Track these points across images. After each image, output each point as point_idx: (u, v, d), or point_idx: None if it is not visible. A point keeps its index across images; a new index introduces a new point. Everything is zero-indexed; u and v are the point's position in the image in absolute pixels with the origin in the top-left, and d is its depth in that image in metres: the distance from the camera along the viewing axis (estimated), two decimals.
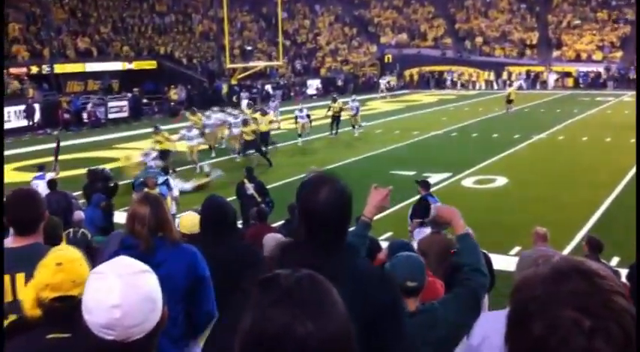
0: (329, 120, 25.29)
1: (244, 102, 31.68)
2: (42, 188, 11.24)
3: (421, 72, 51.86)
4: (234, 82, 40.59)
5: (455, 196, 13.60)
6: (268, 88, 42.61)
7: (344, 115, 25.44)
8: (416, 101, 40.08)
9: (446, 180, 16.52)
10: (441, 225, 7.37)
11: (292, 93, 43.74)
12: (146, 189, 11.78)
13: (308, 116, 24.43)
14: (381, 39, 55.19)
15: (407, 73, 51.75)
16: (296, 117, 24.38)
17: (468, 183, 16.25)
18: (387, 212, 12.12)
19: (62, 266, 2.32)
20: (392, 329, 2.27)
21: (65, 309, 2.21)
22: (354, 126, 25.48)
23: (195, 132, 20.07)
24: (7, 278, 3.15)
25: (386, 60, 51.95)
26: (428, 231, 9.90)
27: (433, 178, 16.54)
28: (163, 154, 17.75)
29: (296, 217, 4.77)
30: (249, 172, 12.37)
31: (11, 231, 3.53)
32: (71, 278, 2.30)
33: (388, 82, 46.97)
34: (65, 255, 2.39)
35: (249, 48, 46.35)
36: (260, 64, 43.74)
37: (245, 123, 20.01)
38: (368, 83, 48.75)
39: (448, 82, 50.17)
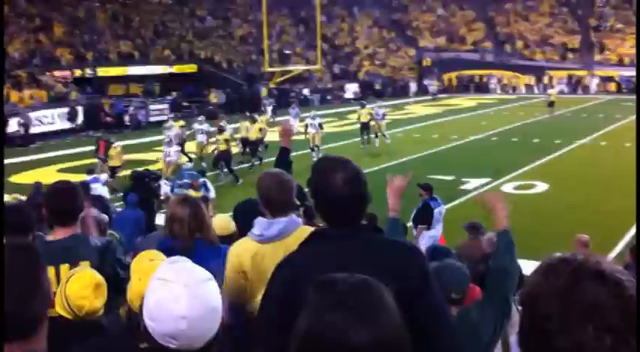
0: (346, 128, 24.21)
1: (269, 109, 31.53)
2: (101, 190, 11.53)
3: (460, 76, 51.47)
4: (272, 85, 40.85)
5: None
6: (306, 91, 42.77)
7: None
8: (455, 105, 39.81)
9: (485, 185, 16.36)
10: (478, 230, 7.32)
11: (330, 97, 43.82)
12: (191, 191, 11.93)
13: (320, 125, 21.79)
14: (420, 42, 54.93)
15: (445, 76, 51.42)
16: (306, 126, 21.80)
17: (508, 188, 16.06)
18: None
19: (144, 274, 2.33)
20: (428, 311, 2.14)
21: None
22: (376, 135, 23.59)
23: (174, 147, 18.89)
24: (52, 270, 3.24)
25: (424, 63, 51.69)
26: (433, 234, 9.82)
27: (472, 183, 16.43)
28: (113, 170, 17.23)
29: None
30: None
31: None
32: None
33: (434, 86, 46.64)
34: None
35: (287, 51, 46.61)
36: (298, 68, 43.95)
37: (220, 131, 18.85)
38: (406, 87, 48.56)
39: (494, 86, 49.60)
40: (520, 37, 52.47)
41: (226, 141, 18.48)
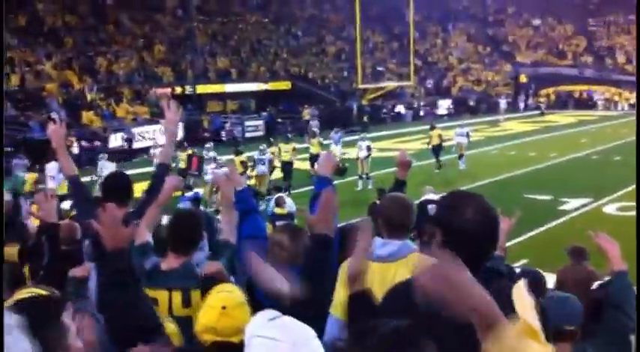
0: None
1: (316, 131, 27.54)
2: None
3: (557, 91, 49.97)
4: (365, 101, 41.03)
5: (595, 223, 12.96)
6: (400, 108, 42.74)
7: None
8: (553, 122, 38.67)
9: (585, 205, 15.79)
10: (582, 255, 7.07)
11: (422, 113, 43.55)
12: (277, 209, 12.12)
13: (368, 148, 20.09)
14: (516, 57, 53.78)
15: (543, 92, 50.05)
16: (368, 149, 20.12)
17: (610, 209, 15.44)
18: (522, 237, 11.82)
19: (227, 310, 2.27)
20: None
21: None
22: (460, 157, 22.13)
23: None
24: (165, 294, 3.43)
25: (521, 79, 50.52)
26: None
27: (572, 203, 15.89)
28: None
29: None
30: (381, 193, 12.42)
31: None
32: (235, 324, 2.25)
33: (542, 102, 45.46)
34: (230, 298, 2.34)
35: (380, 68, 46.71)
36: (391, 84, 43.96)
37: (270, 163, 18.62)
38: (499, 103, 47.60)
39: (595, 101, 47.83)
40: (622, 51, 50.47)
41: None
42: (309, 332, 1.80)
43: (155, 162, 4.51)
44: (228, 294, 2.37)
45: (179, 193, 13.93)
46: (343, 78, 44.64)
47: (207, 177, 18.24)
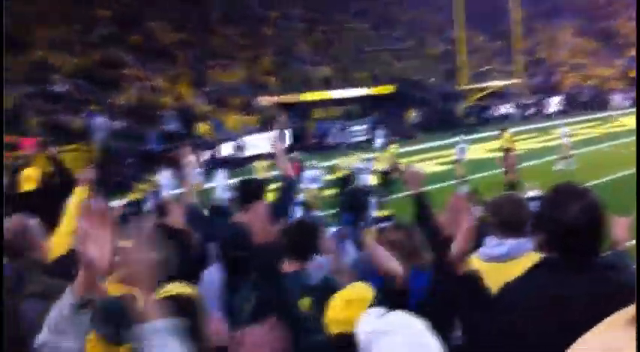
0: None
1: (379, 141, 27.03)
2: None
3: None
4: (469, 103, 40.44)
5: None
6: (507, 107, 41.80)
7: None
8: None
9: None
10: None
11: (530, 112, 42.38)
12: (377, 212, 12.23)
13: (462, 150, 19.66)
14: (629, 51, 51.30)
15: None
16: (462, 151, 19.53)
17: None
18: None
19: (351, 304, 2.30)
20: None
21: (343, 348, 2.23)
22: (565, 158, 21.08)
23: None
24: None
25: (633, 74, 48.14)
26: None
27: None
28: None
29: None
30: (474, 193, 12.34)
31: None
32: (358, 317, 2.24)
33: None
34: (357, 293, 2.38)
35: (484, 68, 45.88)
36: (496, 84, 43.07)
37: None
38: (610, 98, 45.56)
39: None
40: None
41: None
42: (420, 323, 1.84)
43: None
44: (354, 289, 2.42)
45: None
46: (447, 79, 44.19)
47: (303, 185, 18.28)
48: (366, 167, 18.40)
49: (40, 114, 24.43)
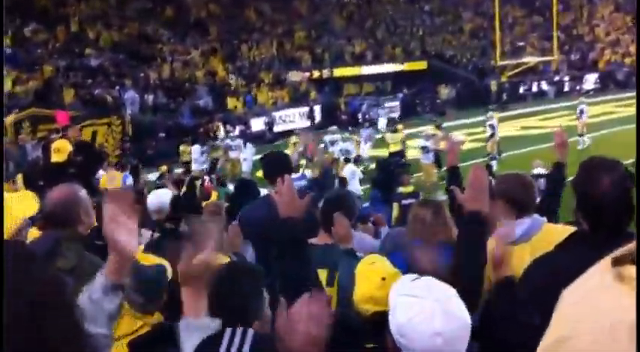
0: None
1: (382, 121, 27.00)
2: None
3: None
4: (504, 79, 39.87)
5: None
6: (543, 84, 41.14)
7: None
8: None
9: None
10: None
11: (567, 89, 41.66)
12: (402, 188, 12.15)
13: (492, 126, 19.44)
14: None
15: None
16: (492, 128, 19.48)
17: None
18: None
19: (386, 281, 2.27)
20: None
21: (379, 324, 2.22)
22: (580, 135, 21.23)
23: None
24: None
25: None
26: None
27: None
28: None
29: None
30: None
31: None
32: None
33: None
34: (388, 270, 2.39)
35: (520, 44, 45.10)
36: (532, 60, 42.36)
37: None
38: None
39: None
40: None
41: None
42: (450, 289, 1.85)
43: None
44: (383, 264, 2.43)
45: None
46: (481, 55, 43.57)
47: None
48: (427, 145, 18.07)
49: (75, 87, 24.72)
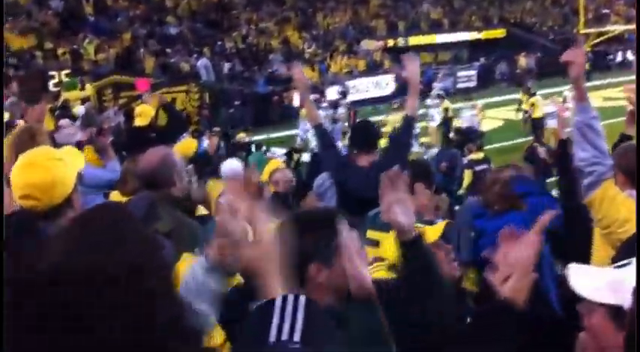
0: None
1: (435, 92, 24.67)
2: None
3: None
4: (587, 48, 38.35)
5: None
6: (628, 54, 39.38)
7: None
8: None
9: None
10: None
11: None
12: (472, 155, 12.06)
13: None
14: None
15: None
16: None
17: None
18: None
19: None
20: None
21: None
22: None
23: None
24: (389, 237, 3.62)
25: None
26: None
27: None
28: None
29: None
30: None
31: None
32: None
33: None
34: None
35: (605, 11, 43.24)
36: (617, 28, 40.56)
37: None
38: None
39: None
40: None
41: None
42: None
43: (402, 115, 4.81)
44: None
45: None
46: (564, 23, 42.01)
47: None
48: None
49: (154, 54, 25.27)
